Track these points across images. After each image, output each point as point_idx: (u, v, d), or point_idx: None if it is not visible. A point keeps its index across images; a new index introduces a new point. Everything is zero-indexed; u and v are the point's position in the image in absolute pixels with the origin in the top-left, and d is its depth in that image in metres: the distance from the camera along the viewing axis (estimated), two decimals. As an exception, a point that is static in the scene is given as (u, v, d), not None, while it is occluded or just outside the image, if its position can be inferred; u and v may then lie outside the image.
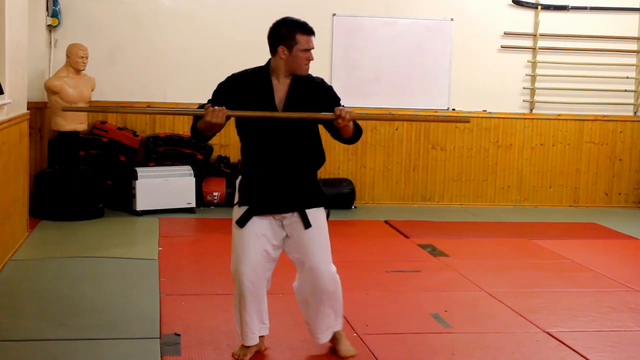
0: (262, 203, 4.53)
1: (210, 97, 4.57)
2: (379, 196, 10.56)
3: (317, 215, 4.63)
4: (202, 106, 4.45)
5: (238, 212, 4.58)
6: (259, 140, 4.49)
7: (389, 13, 10.40)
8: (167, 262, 6.99)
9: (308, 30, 4.53)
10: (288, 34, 4.51)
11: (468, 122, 4.75)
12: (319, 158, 4.67)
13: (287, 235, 4.62)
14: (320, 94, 4.59)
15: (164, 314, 5.47)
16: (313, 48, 4.53)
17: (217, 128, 4.40)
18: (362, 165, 10.52)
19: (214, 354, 4.73)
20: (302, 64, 4.51)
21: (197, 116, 4.49)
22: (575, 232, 9.22)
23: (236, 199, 4.65)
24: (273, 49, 4.56)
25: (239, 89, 4.53)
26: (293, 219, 4.58)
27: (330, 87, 4.68)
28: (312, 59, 4.55)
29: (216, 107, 4.32)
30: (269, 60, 4.61)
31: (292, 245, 4.63)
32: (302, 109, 4.48)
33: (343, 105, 4.53)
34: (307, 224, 4.57)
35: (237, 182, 4.67)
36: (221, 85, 4.60)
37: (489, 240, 8.53)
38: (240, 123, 4.56)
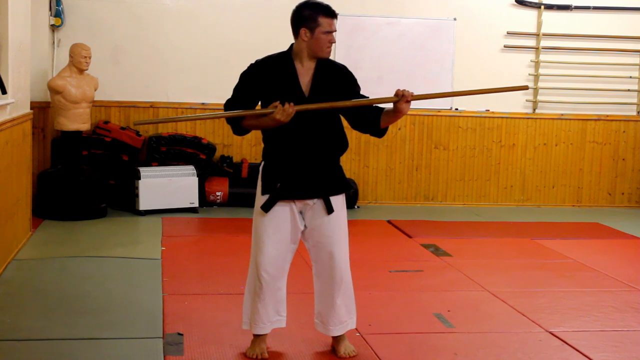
0: (286, 188, 4.54)
1: (230, 94, 4.63)
2: (382, 196, 10.56)
3: (339, 202, 4.66)
4: (231, 102, 4.56)
5: (261, 199, 4.60)
6: (283, 126, 4.47)
7: (391, 13, 10.40)
8: (170, 261, 7.00)
9: (330, 13, 4.55)
10: (310, 16, 4.51)
11: (527, 88, 4.77)
12: (343, 144, 4.68)
13: (306, 226, 4.65)
14: (344, 80, 4.63)
15: (167, 313, 5.47)
16: (335, 31, 4.56)
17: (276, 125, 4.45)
18: (365, 165, 10.52)
19: (217, 353, 4.73)
20: (324, 46, 4.54)
21: (237, 115, 4.53)
22: (578, 231, 9.22)
23: (259, 186, 4.65)
24: (295, 32, 4.57)
25: (265, 76, 4.56)
26: (316, 204, 4.60)
27: (351, 73, 4.70)
28: (334, 42, 4.58)
29: (286, 105, 4.34)
30: (292, 45, 4.62)
31: (313, 231, 4.65)
32: (327, 93, 4.52)
33: (362, 94, 4.59)
34: (330, 210, 4.59)
35: (261, 168, 4.68)
36: (246, 74, 4.62)
37: (492, 240, 8.53)
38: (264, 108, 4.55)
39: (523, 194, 10.90)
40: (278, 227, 4.59)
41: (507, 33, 10.68)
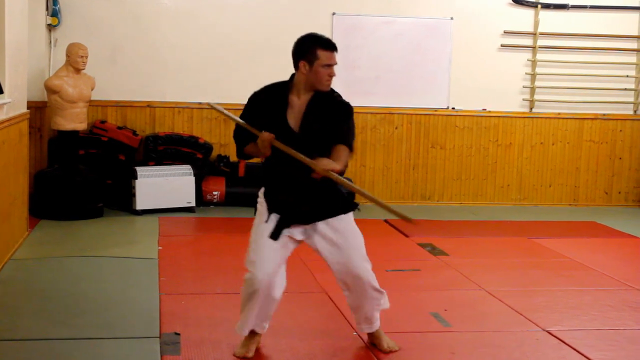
0: (290, 216, 4.58)
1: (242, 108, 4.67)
2: (379, 195, 10.54)
3: (343, 222, 4.71)
4: (235, 130, 4.65)
5: (262, 216, 4.62)
6: (277, 155, 4.50)
7: (388, 12, 10.40)
8: (166, 261, 6.99)
9: (330, 46, 4.53)
10: (309, 49, 4.50)
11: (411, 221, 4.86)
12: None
13: (316, 244, 4.69)
14: (336, 114, 4.60)
15: (164, 313, 5.47)
16: (335, 64, 4.54)
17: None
18: (362, 164, 10.52)
19: (214, 352, 4.73)
20: (323, 80, 4.54)
21: (242, 139, 4.62)
22: (575, 230, 9.22)
23: (260, 205, 4.67)
24: (295, 64, 4.56)
25: (260, 107, 4.60)
26: (319, 228, 4.64)
27: (346, 106, 4.65)
28: (334, 75, 4.56)
29: (265, 134, 4.42)
30: (293, 75, 4.63)
31: (330, 255, 4.69)
32: (318, 127, 4.51)
33: (348, 125, 4.58)
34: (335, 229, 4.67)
35: (261, 193, 4.69)
36: (247, 104, 4.68)
37: (488, 239, 8.54)
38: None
39: (520, 193, 10.90)
40: (276, 246, 4.61)
41: (504, 32, 10.68)
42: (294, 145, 4.44)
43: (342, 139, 4.54)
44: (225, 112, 4.91)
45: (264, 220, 4.59)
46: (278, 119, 4.52)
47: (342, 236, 4.67)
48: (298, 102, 4.57)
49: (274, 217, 4.58)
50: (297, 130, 4.52)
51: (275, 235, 4.56)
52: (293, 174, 4.53)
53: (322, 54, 4.49)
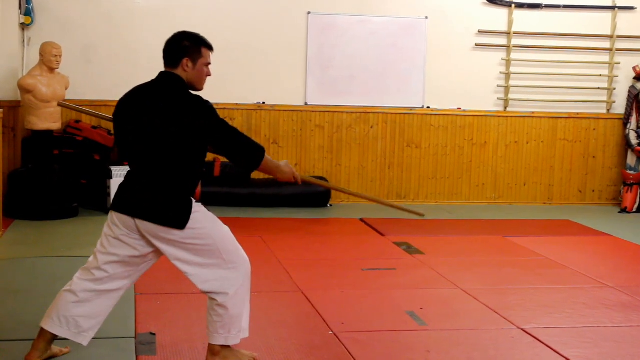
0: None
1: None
2: (355, 194, 10.57)
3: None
4: None
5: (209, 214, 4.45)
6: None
7: (363, 11, 10.42)
8: (142, 261, 6.95)
9: (211, 46, 4.60)
10: (192, 47, 4.52)
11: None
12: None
13: None
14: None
15: (139, 313, 5.45)
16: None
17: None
18: (338, 163, 10.53)
19: (190, 353, 4.71)
20: (203, 79, 4.57)
21: None
22: (550, 229, 9.28)
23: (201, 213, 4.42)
24: (175, 61, 4.55)
25: None
26: None
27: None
28: (210, 75, 4.58)
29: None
30: (162, 74, 4.63)
31: None
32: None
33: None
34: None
35: (195, 204, 4.39)
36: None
37: (464, 237, 8.57)
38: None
39: (495, 191, 10.95)
40: None
41: (479, 31, 10.73)
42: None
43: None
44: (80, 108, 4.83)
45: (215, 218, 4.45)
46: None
47: None
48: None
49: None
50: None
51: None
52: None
53: (205, 53, 4.54)
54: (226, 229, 4.44)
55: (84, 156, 9.42)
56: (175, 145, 4.22)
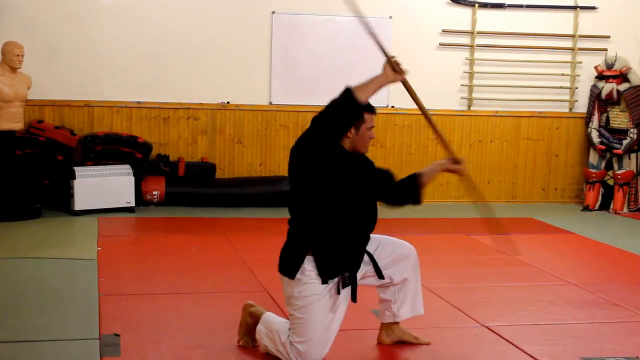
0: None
1: None
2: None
3: None
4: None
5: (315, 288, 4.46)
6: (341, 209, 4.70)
7: (328, 11, 10.41)
8: (106, 262, 6.92)
9: (373, 109, 4.78)
10: (357, 114, 4.68)
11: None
12: None
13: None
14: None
15: (103, 314, 5.42)
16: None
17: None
18: (303, 162, 10.51)
19: (155, 354, 4.69)
20: (367, 143, 4.83)
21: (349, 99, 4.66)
22: (513, 227, 9.31)
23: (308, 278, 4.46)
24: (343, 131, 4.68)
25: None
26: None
27: None
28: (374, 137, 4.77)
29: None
30: None
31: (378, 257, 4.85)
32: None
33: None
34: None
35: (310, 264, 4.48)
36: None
37: (428, 236, 8.60)
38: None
39: (459, 190, 10.99)
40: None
41: (443, 31, 10.78)
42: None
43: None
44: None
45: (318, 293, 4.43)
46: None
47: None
48: None
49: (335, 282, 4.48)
50: None
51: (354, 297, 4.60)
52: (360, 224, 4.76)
53: (368, 117, 4.75)
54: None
55: (46, 157, 9.35)
56: None
